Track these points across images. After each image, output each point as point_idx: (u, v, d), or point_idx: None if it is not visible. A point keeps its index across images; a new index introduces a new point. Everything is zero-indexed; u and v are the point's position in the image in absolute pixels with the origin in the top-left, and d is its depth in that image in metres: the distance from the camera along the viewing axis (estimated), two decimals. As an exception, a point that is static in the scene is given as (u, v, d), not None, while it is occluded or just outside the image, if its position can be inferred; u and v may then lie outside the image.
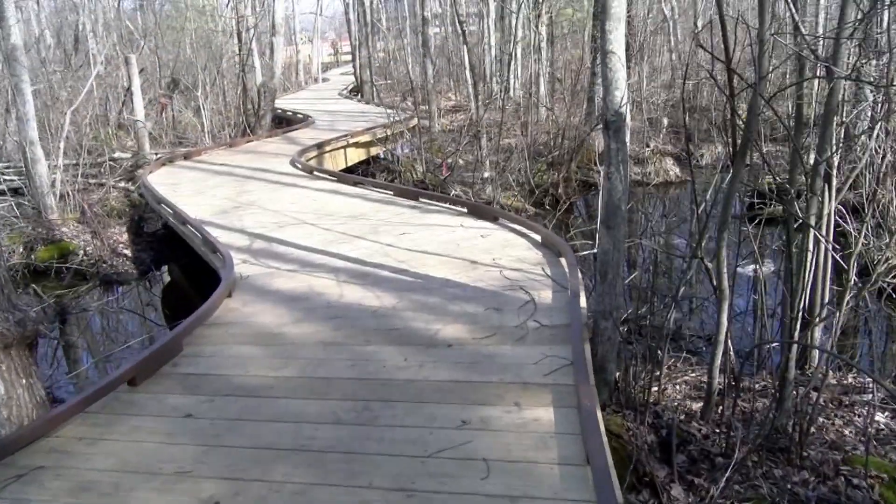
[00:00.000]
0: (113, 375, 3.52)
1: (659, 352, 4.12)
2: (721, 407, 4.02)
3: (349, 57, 36.12)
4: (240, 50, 17.83)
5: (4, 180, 12.79)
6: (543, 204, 10.54)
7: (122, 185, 13.00)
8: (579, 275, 4.56)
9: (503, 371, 3.43)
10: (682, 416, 4.13)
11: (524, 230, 5.99)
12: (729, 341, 3.99)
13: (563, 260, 5.07)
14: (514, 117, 13.72)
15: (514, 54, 20.61)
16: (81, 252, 8.99)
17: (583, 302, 4.12)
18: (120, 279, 8.59)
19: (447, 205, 7.16)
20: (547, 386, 3.25)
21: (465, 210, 6.83)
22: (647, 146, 13.39)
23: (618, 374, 4.29)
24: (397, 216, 6.91)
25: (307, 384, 3.46)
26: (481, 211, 6.64)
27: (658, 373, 4.04)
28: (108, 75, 21.09)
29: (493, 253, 5.43)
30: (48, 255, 8.80)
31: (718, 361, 3.72)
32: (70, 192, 10.77)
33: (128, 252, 9.09)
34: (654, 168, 12.46)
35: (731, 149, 3.48)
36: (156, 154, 14.23)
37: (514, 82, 21.59)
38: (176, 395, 3.44)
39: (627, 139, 3.67)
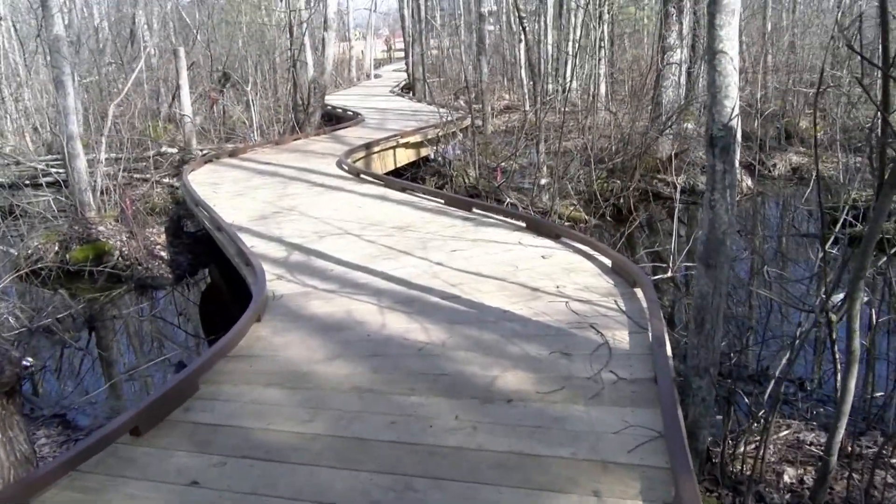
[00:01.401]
0: (113, 424, 2.98)
1: (765, 418, 3.42)
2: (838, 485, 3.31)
3: (402, 54, 35.71)
4: (291, 45, 17.43)
5: (54, 173, 12.64)
6: (605, 215, 9.80)
7: (166, 180, 12.71)
8: (661, 313, 3.88)
9: (576, 441, 2.79)
10: (787, 495, 3.42)
11: (591, 251, 5.32)
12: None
13: (638, 292, 4.40)
14: (572, 120, 13.00)
15: (571, 53, 19.85)
16: (117, 253, 8.60)
17: (668, 350, 3.44)
18: (154, 283, 8.17)
19: (503, 217, 6.52)
20: (633, 468, 2.60)
21: (524, 225, 6.18)
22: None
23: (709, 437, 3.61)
24: (448, 229, 6.30)
25: (337, 446, 2.87)
26: (542, 227, 5.98)
27: (763, 442, 3.34)
28: (159, 68, 21.02)
29: (557, 279, 4.78)
30: (83, 255, 8.43)
31: (840, 436, 3.01)
32: (111, 188, 10.46)
33: (164, 254, 8.68)
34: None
35: (878, 173, 2.77)
36: (202, 150, 13.93)
37: (572, 83, 20.85)
38: (183, 453, 2.89)
39: (737, 160, 2.99)
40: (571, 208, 9.65)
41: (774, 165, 12.81)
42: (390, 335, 3.99)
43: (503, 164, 11.18)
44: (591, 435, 2.83)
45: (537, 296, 4.48)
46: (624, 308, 4.17)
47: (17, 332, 6.59)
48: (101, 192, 9.99)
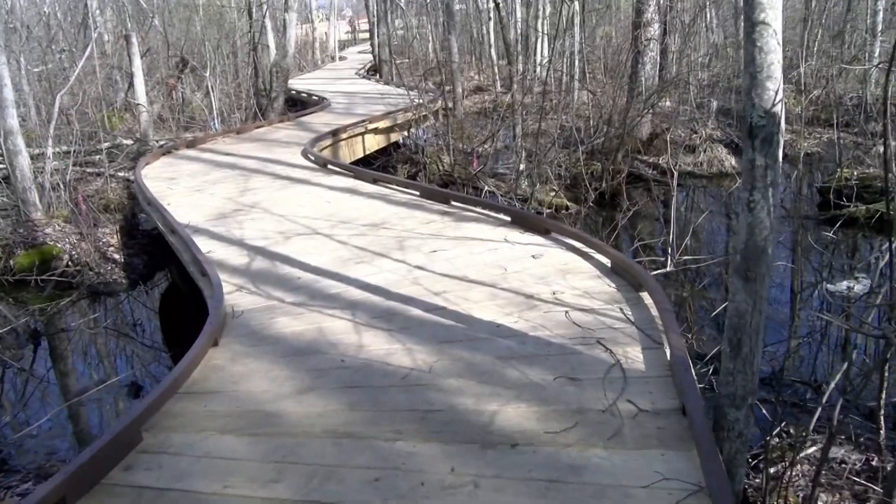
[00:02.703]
0: (33, 498, 2.42)
1: (817, 453, 2.96)
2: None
3: (367, 35, 34.85)
4: (251, 27, 16.65)
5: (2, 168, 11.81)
6: (585, 200, 9.33)
7: (122, 174, 11.96)
8: (677, 325, 3.40)
9: (600, 500, 2.30)
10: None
11: (585, 248, 4.82)
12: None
13: (645, 297, 3.92)
14: (547, 101, 12.48)
15: (542, 31, 19.30)
16: (66, 257, 7.93)
17: (693, 374, 2.97)
18: (107, 290, 7.53)
19: (485, 210, 6.00)
20: (675, 538, 2.12)
21: (509, 219, 5.67)
22: (694, 132, 12.11)
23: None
24: (426, 225, 5.77)
25: (310, 516, 2.35)
26: (528, 221, 5.47)
27: (814, 484, 2.87)
28: (114, 55, 20.05)
29: (552, 282, 4.28)
30: (28, 261, 7.75)
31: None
32: (61, 184, 9.73)
33: (118, 256, 8.03)
34: (705, 157, 11.18)
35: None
36: (158, 141, 13.19)
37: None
38: (119, 532, 2.35)
39: (780, 153, 2.49)
40: (552, 194, 9.17)
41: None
42: (369, 359, 3.45)
43: (478, 148, 10.65)
44: (616, 491, 2.34)
45: (532, 304, 3.97)
46: (632, 318, 3.68)
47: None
48: (51, 189, 9.28)
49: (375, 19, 25.86)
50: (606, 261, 4.54)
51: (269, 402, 3.11)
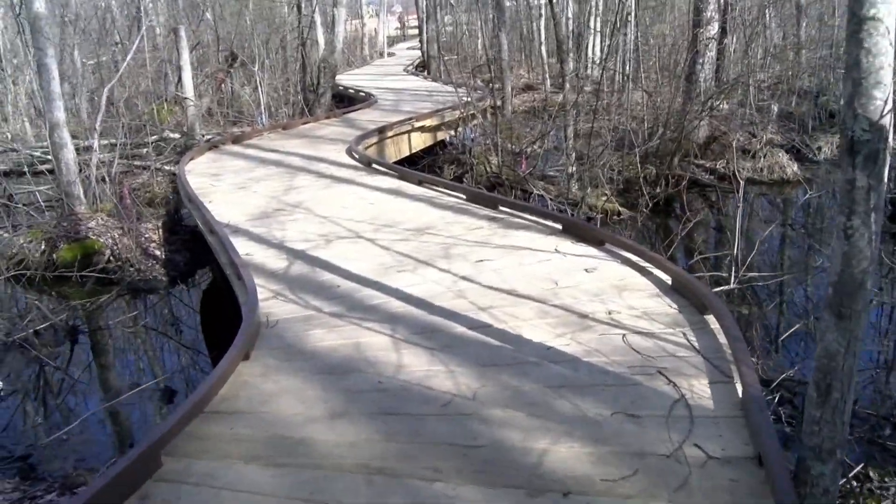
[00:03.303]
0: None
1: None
2: None
3: (416, 31, 34.71)
4: (300, 22, 16.56)
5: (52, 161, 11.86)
6: (639, 206, 8.95)
7: (168, 168, 11.94)
8: (750, 357, 3.07)
9: (667, 568, 2.01)
10: None
11: (643, 263, 4.50)
12: None
13: (711, 321, 3.59)
14: (598, 100, 12.08)
15: (595, 28, 18.84)
16: (108, 252, 7.86)
17: (769, 417, 2.64)
18: (147, 287, 7.43)
19: (535, 217, 5.69)
20: None
21: (560, 227, 5.36)
22: (753, 136, 11.59)
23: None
24: (472, 231, 5.50)
25: (337, 568, 2.11)
26: (581, 231, 5.16)
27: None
28: (165, 48, 20.22)
29: (607, 300, 3.97)
30: (70, 255, 7.70)
31: None
32: (107, 178, 9.72)
33: (159, 253, 7.93)
34: (765, 163, 10.66)
35: None
36: (205, 135, 13.18)
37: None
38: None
39: (886, 172, 2.16)
40: (604, 199, 8.81)
41: (819, 148, 11.85)
42: (408, 381, 3.20)
43: (527, 149, 10.33)
44: (686, 557, 2.04)
45: (586, 325, 3.67)
46: (697, 345, 3.36)
47: (-10, 346, 5.90)
48: (97, 182, 9.27)
49: (424, 15, 25.68)
50: (666, 277, 4.21)
51: (298, 427, 2.88)
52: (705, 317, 3.66)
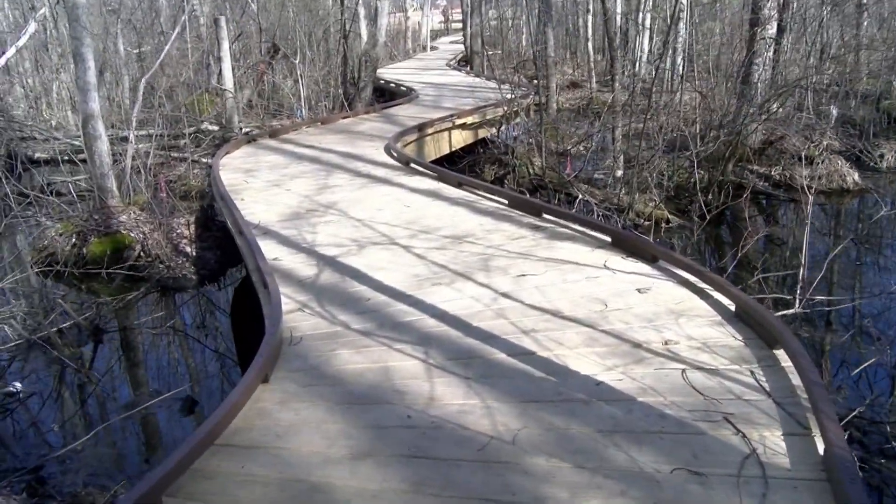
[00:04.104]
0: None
1: None
2: None
3: (460, 25, 34.35)
4: (342, 14, 16.32)
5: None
6: (689, 212, 8.50)
7: (206, 160, 11.80)
8: (832, 407, 2.68)
9: None
10: None
11: (701, 284, 4.10)
12: None
13: (781, 356, 3.19)
14: (650, 101, 11.61)
15: (644, 25, 18.28)
16: (138, 247, 7.70)
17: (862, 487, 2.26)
18: (176, 285, 7.24)
19: (582, 228, 5.32)
20: None
21: (609, 240, 4.98)
22: (811, 141, 10.99)
23: None
24: (514, 241, 5.14)
25: None
26: (632, 245, 4.77)
27: None
28: (208, 38, 20.16)
29: (662, 327, 3.59)
30: (100, 249, 7.55)
31: None
32: (142, 170, 9.60)
33: (190, 249, 7.73)
34: (824, 170, 10.09)
35: None
36: (242, 128, 13.02)
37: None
38: None
39: None
40: (651, 205, 8.37)
41: (882, 156, 11.21)
42: (441, 418, 2.87)
43: (572, 149, 9.93)
44: None
45: (640, 356, 3.30)
46: (767, 386, 2.97)
47: (14, 343, 5.73)
48: (135, 173, 9.14)
49: (469, 9, 25.29)
50: (729, 303, 3.81)
51: (317, 469, 2.57)
52: (775, 352, 3.26)
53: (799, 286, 4.63)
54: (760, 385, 2.99)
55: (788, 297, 4.74)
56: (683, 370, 3.14)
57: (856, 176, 9.97)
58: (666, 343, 3.41)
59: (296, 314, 4.05)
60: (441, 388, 3.12)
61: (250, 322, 5.36)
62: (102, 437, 4.49)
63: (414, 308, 4.03)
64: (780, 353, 3.23)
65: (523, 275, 4.45)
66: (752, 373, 3.10)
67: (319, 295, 4.34)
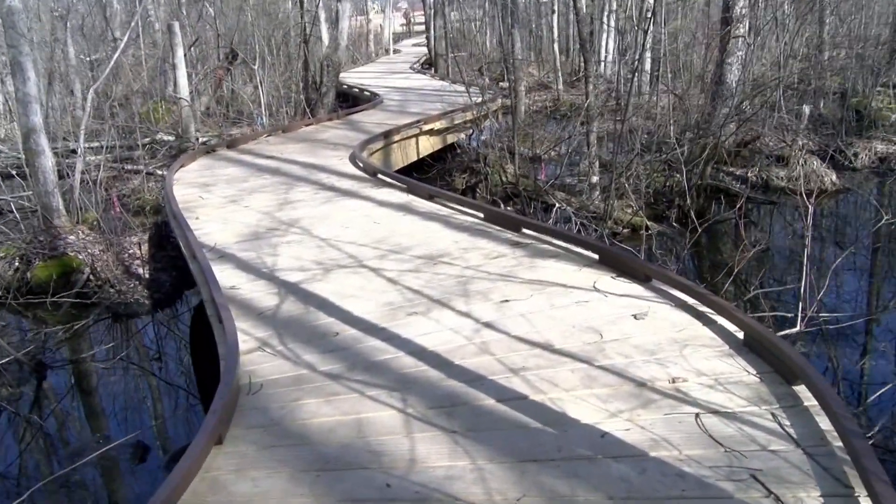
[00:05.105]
0: None
1: None
2: None
3: (422, 27, 33.97)
4: (301, 17, 15.81)
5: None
6: (667, 218, 8.21)
7: (161, 172, 11.23)
8: (875, 458, 2.32)
9: None
10: None
11: (702, 308, 3.74)
12: None
13: (802, 392, 2.85)
14: (628, 103, 11.33)
15: (610, 25, 18.08)
16: (87, 270, 7.16)
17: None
18: (128, 311, 6.72)
19: (565, 244, 4.94)
20: None
21: (596, 257, 4.62)
22: (785, 142, 10.81)
23: None
24: (493, 261, 4.75)
25: None
26: (622, 263, 4.40)
27: None
28: (163, 45, 19.48)
29: (666, 360, 3.22)
30: (46, 273, 7.00)
31: None
32: (92, 184, 9.03)
33: (142, 271, 7.21)
34: (801, 171, 9.89)
35: None
36: (199, 138, 12.47)
37: (606, 58, 18.98)
38: None
39: None
40: (630, 211, 8.06)
41: (856, 155, 11.06)
42: (425, 486, 2.46)
43: (544, 155, 9.59)
44: None
45: (646, 398, 2.93)
46: (793, 433, 2.61)
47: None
48: (81, 190, 8.56)
49: (432, 11, 24.94)
50: (735, 329, 3.46)
51: (280, 562, 2.15)
52: (795, 388, 2.92)
53: (801, 303, 4.30)
54: (785, 431, 2.64)
55: (789, 315, 4.41)
56: (697, 414, 2.78)
57: (833, 176, 9.78)
58: (673, 381, 3.04)
59: (255, 355, 3.61)
60: (423, 445, 2.71)
61: (211, 349, 4.91)
62: (38, 498, 3.98)
63: (388, 344, 3.61)
64: (802, 390, 2.88)
65: (506, 300, 4.06)
66: (773, 415, 2.74)
67: (282, 330, 3.90)
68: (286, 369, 3.43)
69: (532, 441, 2.68)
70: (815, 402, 2.77)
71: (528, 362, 3.30)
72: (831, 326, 4.54)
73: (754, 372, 3.08)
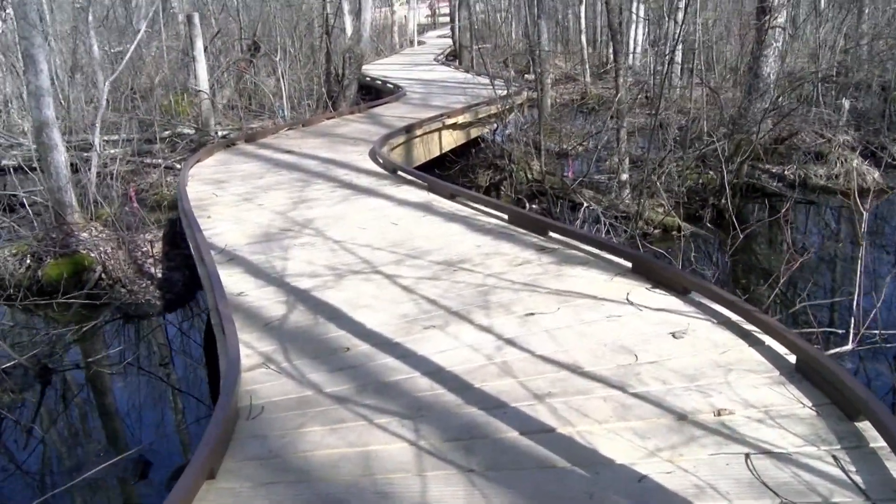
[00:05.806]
0: None
1: None
2: None
3: (447, 19, 33.60)
4: (324, 8, 15.54)
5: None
6: (702, 218, 7.83)
7: (180, 165, 11.03)
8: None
9: None
10: None
11: (747, 326, 3.40)
12: None
13: (867, 430, 2.51)
14: (660, 97, 10.91)
15: (640, 15, 17.61)
16: (99, 269, 6.95)
17: None
18: (138, 312, 6.50)
19: (596, 250, 4.61)
20: None
21: (629, 265, 4.28)
22: (824, 137, 10.34)
23: None
24: (517, 268, 4.44)
25: None
26: (658, 273, 4.06)
27: None
28: (186, 37, 19.33)
29: (708, 388, 2.89)
30: (57, 272, 6.79)
31: None
32: (109, 179, 8.86)
33: (154, 270, 6.99)
34: (840, 169, 9.43)
35: None
36: (218, 131, 12.26)
37: (635, 49, 18.51)
38: None
39: None
40: (661, 211, 7.69)
41: (899, 152, 10.55)
42: (436, 538, 2.17)
43: (571, 151, 9.23)
44: None
45: (688, 434, 2.60)
46: (859, 480, 2.28)
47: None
48: (97, 184, 8.38)
49: (457, 2, 24.53)
50: (785, 351, 3.12)
51: None
52: (857, 424, 2.58)
53: (853, 318, 3.93)
54: (850, 478, 2.31)
55: (840, 331, 4.04)
56: (747, 455, 2.45)
57: (876, 174, 9.30)
58: (719, 413, 2.72)
59: (257, 372, 3.33)
60: (436, 486, 2.41)
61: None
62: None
63: (401, 362, 3.32)
64: (866, 427, 2.55)
65: (531, 313, 3.74)
66: (834, 458, 2.41)
67: (288, 343, 3.62)
68: (290, 390, 3.15)
69: (560, 484, 2.38)
70: (884, 444, 2.43)
71: (555, 387, 2.99)
72: (889, 345, 4.17)
73: (809, 404, 2.74)
